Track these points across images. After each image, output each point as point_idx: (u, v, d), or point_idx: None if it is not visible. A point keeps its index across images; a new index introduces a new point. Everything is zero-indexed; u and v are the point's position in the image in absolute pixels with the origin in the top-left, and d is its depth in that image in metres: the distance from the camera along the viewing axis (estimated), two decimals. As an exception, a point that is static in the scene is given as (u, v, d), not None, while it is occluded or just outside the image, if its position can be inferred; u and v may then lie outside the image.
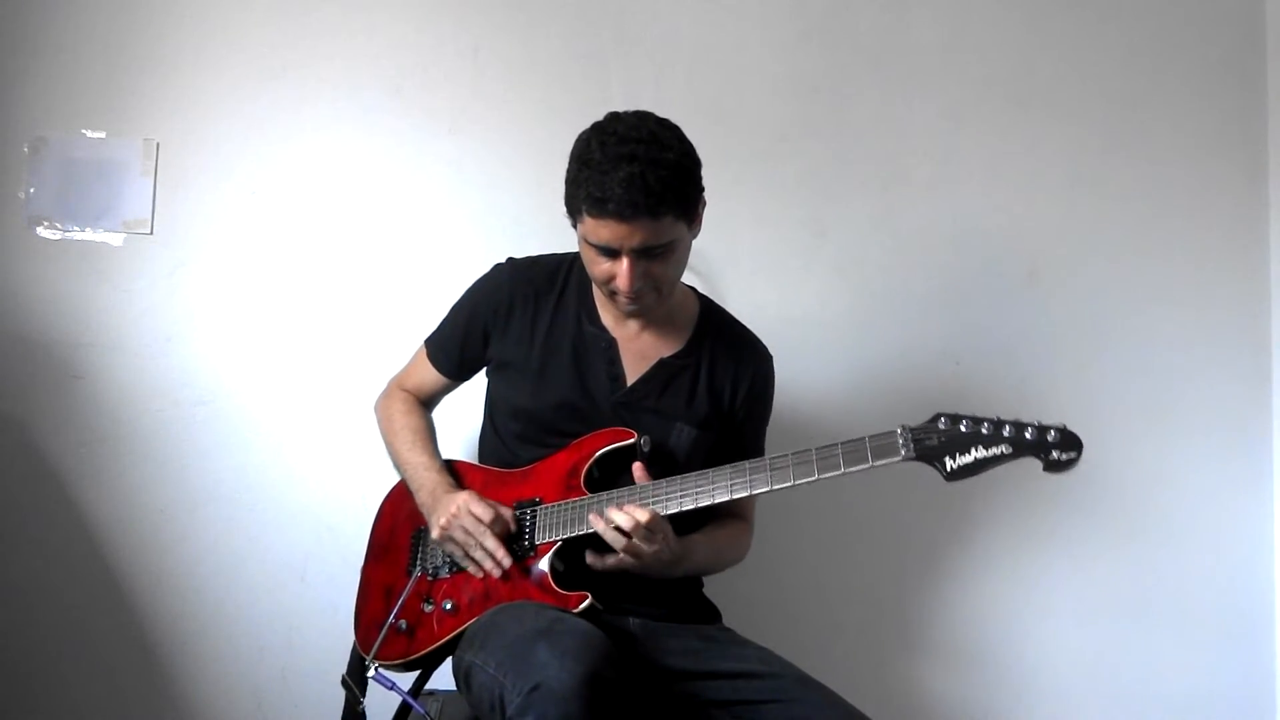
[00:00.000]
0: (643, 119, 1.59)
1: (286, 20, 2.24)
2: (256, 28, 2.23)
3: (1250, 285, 2.41)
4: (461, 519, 1.62)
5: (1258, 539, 2.38)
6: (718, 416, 1.76)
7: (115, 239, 2.19)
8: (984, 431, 1.46)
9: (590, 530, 1.58)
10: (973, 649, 2.31)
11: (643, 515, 1.53)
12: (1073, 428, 1.44)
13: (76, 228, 2.18)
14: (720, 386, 1.76)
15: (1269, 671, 2.37)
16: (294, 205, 2.22)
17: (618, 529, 1.54)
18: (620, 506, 1.55)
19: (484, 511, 1.62)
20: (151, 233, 2.19)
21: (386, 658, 1.66)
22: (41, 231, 2.17)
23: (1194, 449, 2.36)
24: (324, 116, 2.23)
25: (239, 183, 2.21)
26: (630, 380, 1.73)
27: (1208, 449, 2.37)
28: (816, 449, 1.53)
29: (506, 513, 1.65)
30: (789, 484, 1.54)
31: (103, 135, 2.19)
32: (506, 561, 1.61)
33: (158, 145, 2.20)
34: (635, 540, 1.53)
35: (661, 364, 1.74)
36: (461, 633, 1.60)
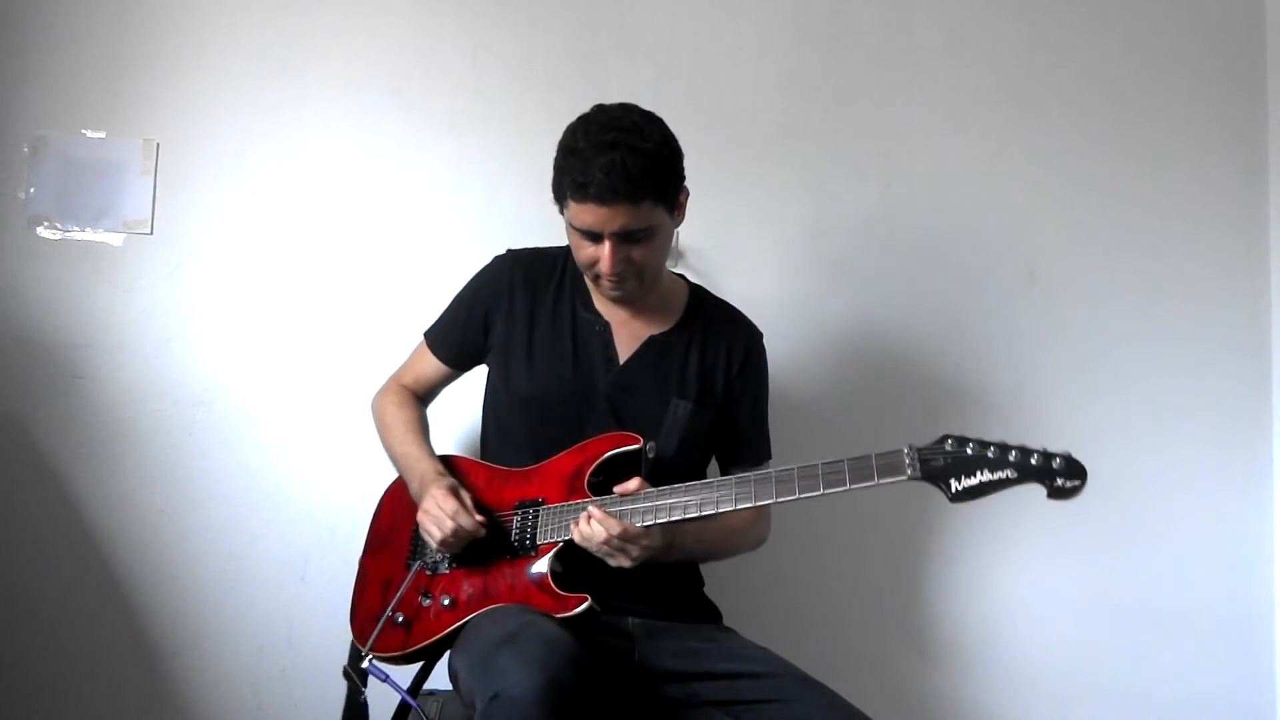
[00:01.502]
0: (626, 110, 1.65)
1: (286, 20, 2.24)
2: (256, 28, 2.23)
3: (1250, 285, 2.41)
4: (427, 525, 1.63)
5: (1258, 539, 2.38)
6: (712, 391, 1.77)
7: (115, 239, 2.19)
8: (990, 455, 1.47)
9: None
10: (973, 648, 2.31)
11: (614, 528, 1.54)
12: (1078, 455, 1.45)
13: (76, 228, 2.18)
14: (713, 361, 1.78)
15: (1269, 671, 2.37)
16: (294, 205, 2.22)
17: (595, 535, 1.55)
18: (589, 519, 1.56)
19: (447, 504, 1.61)
20: (151, 233, 2.19)
21: (383, 650, 1.67)
22: (41, 231, 2.17)
23: (1194, 449, 2.36)
24: (324, 116, 2.23)
25: (239, 183, 2.21)
26: (623, 359, 1.75)
27: (1208, 449, 2.37)
28: (823, 464, 1.53)
29: (463, 506, 1.63)
30: (793, 497, 1.54)
31: (103, 135, 2.19)
32: (468, 522, 1.60)
33: (158, 145, 2.20)
34: (609, 548, 1.55)
35: (651, 341, 1.77)
36: (458, 629, 1.61)
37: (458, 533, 1.60)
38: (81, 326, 2.16)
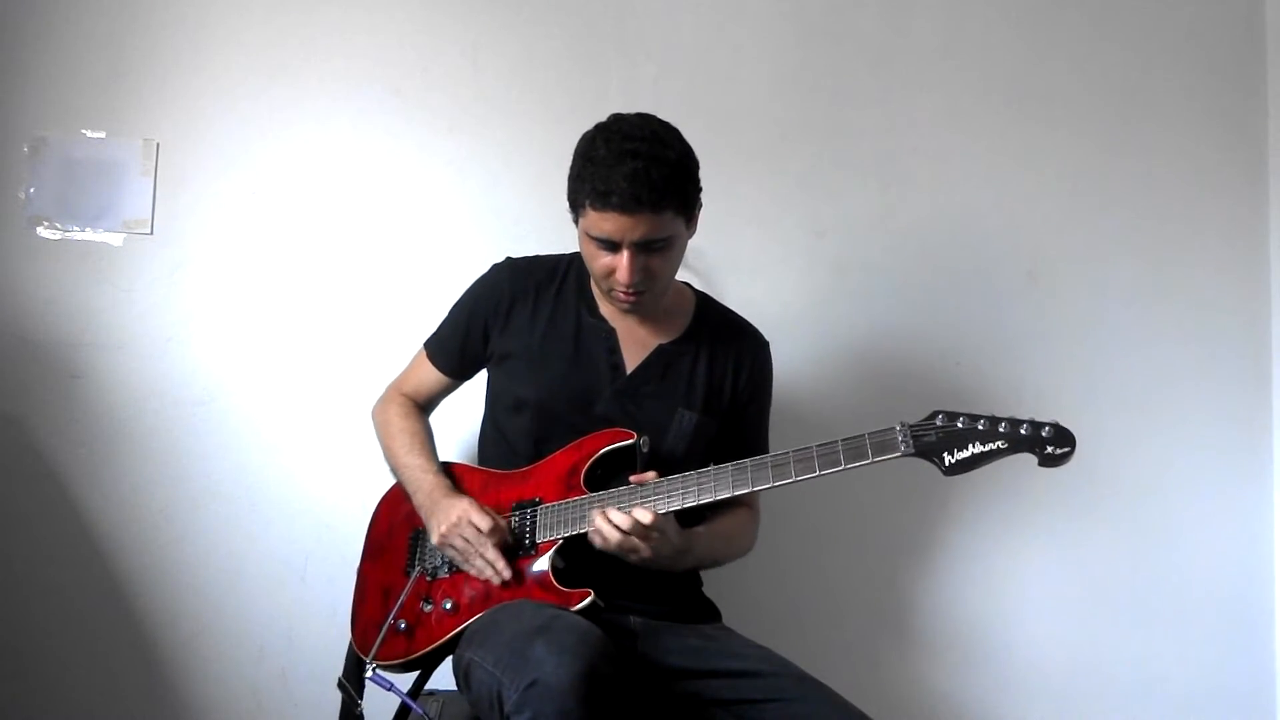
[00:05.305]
0: (645, 120, 1.64)
1: (286, 20, 2.24)
2: (256, 28, 2.23)
3: (1250, 285, 2.41)
4: (461, 529, 1.63)
5: (1258, 538, 2.37)
6: (718, 402, 1.77)
7: (115, 239, 2.19)
8: (980, 428, 1.50)
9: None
10: (973, 647, 2.31)
11: (645, 517, 1.54)
12: (1067, 424, 1.49)
13: (76, 228, 2.18)
14: (720, 373, 1.78)
15: (1269, 671, 2.37)
16: (294, 205, 2.22)
17: (617, 528, 1.54)
18: (622, 509, 1.56)
19: (483, 521, 1.63)
20: (151, 233, 2.19)
21: (386, 658, 1.67)
22: (41, 231, 2.17)
23: (1194, 448, 2.36)
24: (324, 116, 2.23)
25: (239, 183, 2.21)
26: (630, 368, 1.75)
27: (1208, 448, 2.37)
28: (817, 445, 1.55)
29: (504, 523, 1.66)
30: (790, 480, 1.55)
31: (103, 135, 2.19)
32: (506, 573, 1.62)
33: (158, 145, 2.20)
34: (632, 538, 1.54)
35: (660, 350, 1.76)
36: (461, 632, 1.61)
37: (485, 555, 1.62)
38: (81, 326, 2.16)
